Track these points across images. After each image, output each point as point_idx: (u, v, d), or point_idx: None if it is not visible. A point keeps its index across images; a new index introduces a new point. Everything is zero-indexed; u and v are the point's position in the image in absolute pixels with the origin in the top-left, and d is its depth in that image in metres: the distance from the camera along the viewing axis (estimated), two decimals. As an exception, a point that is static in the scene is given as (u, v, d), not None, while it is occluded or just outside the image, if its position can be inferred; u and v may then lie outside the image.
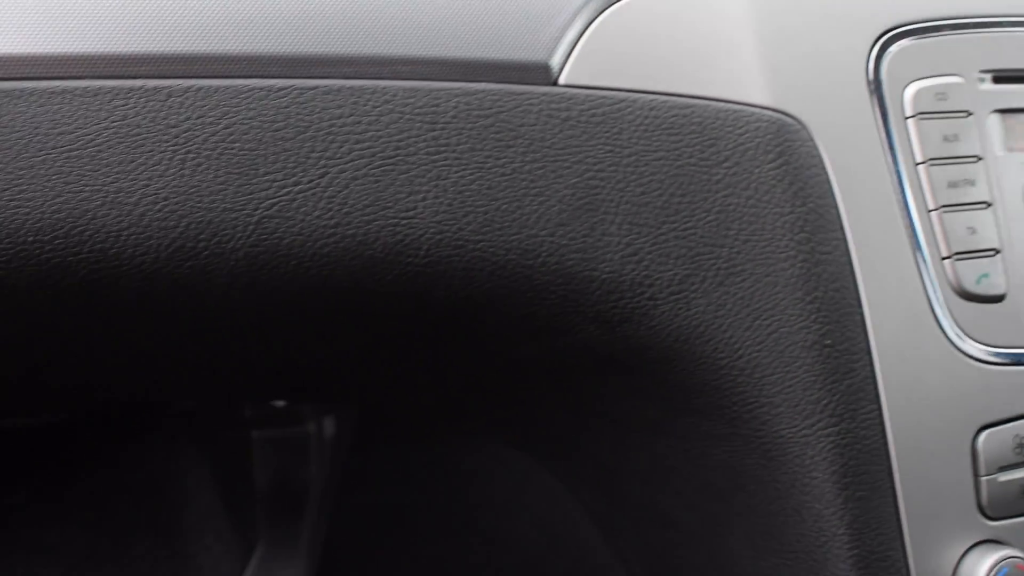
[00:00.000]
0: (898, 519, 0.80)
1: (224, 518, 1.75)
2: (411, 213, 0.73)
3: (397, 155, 0.73)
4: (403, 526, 1.30)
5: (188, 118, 0.68)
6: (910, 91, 0.83)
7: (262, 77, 0.71)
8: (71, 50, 0.68)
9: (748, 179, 0.79)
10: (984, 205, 0.83)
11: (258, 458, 1.41)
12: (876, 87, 0.83)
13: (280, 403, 1.25)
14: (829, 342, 0.79)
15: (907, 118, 0.83)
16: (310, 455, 1.42)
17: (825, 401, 0.79)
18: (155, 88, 0.68)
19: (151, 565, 1.72)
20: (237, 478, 1.63)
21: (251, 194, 0.69)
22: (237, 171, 0.69)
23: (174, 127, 0.68)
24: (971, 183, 0.83)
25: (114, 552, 1.76)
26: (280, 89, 0.71)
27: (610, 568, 1.09)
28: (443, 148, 0.74)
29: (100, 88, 0.68)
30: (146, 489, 1.92)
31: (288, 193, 0.70)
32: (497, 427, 1.04)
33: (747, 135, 0.80)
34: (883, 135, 0.83)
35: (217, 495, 1.83)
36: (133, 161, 0.67)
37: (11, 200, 0.66)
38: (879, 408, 0.80)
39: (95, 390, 0.89)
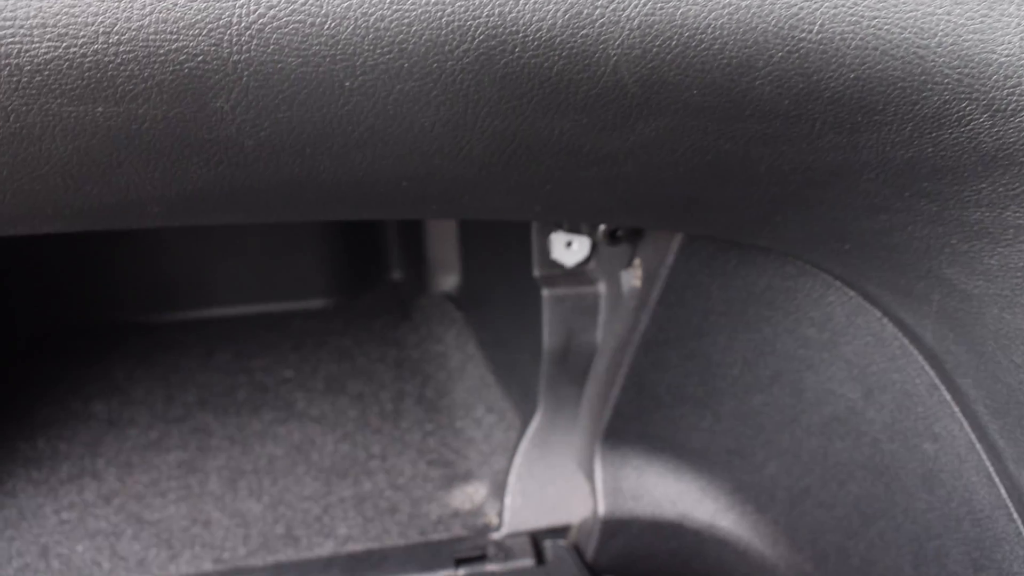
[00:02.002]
0: None
1: (498, 388, 1.76)
2: (807, -16, 0.69)
3: (792, -76, 0.69)
4: (702, 383, 1.28)
5: None
6: None
7: None
8: None
9: None
10: None
11: (547, 318, 1.40)
12: None
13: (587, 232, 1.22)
14: None
15: None
16: (599, 315, 1.41)
17: None
18: None
19: (420, 437, 1.74)
20: (516, 342, 1.64)
21: (649, -43, 0.67)
22: (635, -68, 0.67)
23: None
24: None
25: (383, 424, 1.79)
26: None
27: (938, 417, 1.04)
28: (838, -82, 0.70)
29: None
30: (414, 366, 1.96)
31: (685, -41, 0.68)
32: (827, 257, 1.00)
33: None
34: None
35: (490, 366, 1.84)
36: (533, -79, 0.66)
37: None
38: None
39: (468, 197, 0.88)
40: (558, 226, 1.36)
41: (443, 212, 0.92)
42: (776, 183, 0.85)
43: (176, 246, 2.22)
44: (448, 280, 2.19)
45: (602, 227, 1.19)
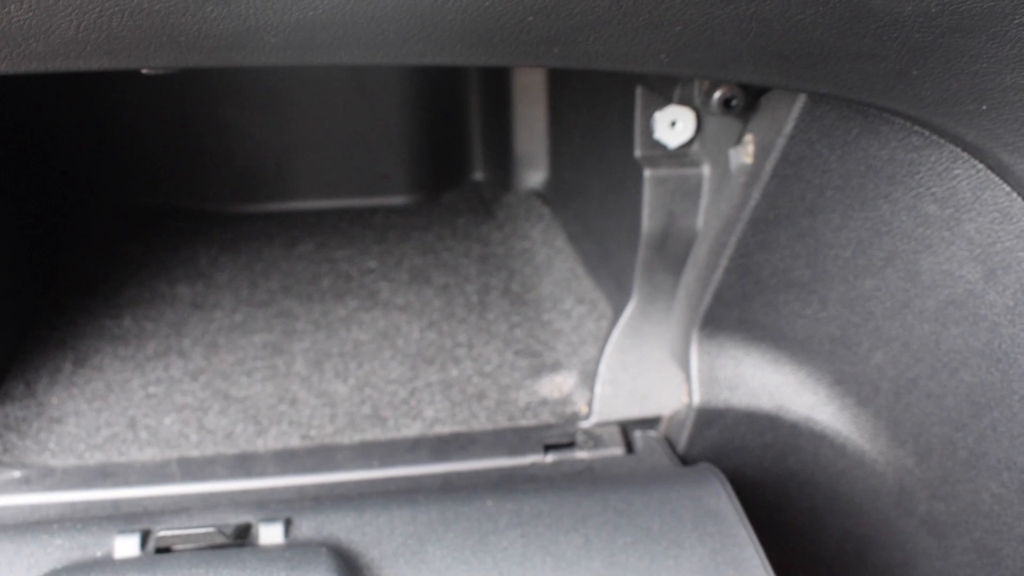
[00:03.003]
0: None
1: (588, 279, 1.74)
2: None
3: None
4: (810, 266, 1.24)
5: None
6: None
7: None
8: None
9: None
10: None
11: (647, 200, 1.36)
12: None
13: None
14: None
15: None
16: (701, 199, 1.37)
17: None
18: None
19: (507, 328, 1.72)
20: (610, 231, 1.61)
21: None
22: None
23: None
24: None
25: (469, 315, 1.77)
26: None
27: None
28: None
29: None
30: (499, 261, 1.93)
31: None
32: (960, 120, 0.95)
33: None
34: None
35: (580, 259, 1.82)
36: None
37: None
38: None
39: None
40: (665, 101, 1.32)
41: (564, 57, 0.88)
42: (920, 28, 0.80)
43: (260, 138, 2.21)
44: (534, 177, 2.16)
45: (717, 94, 1.15)
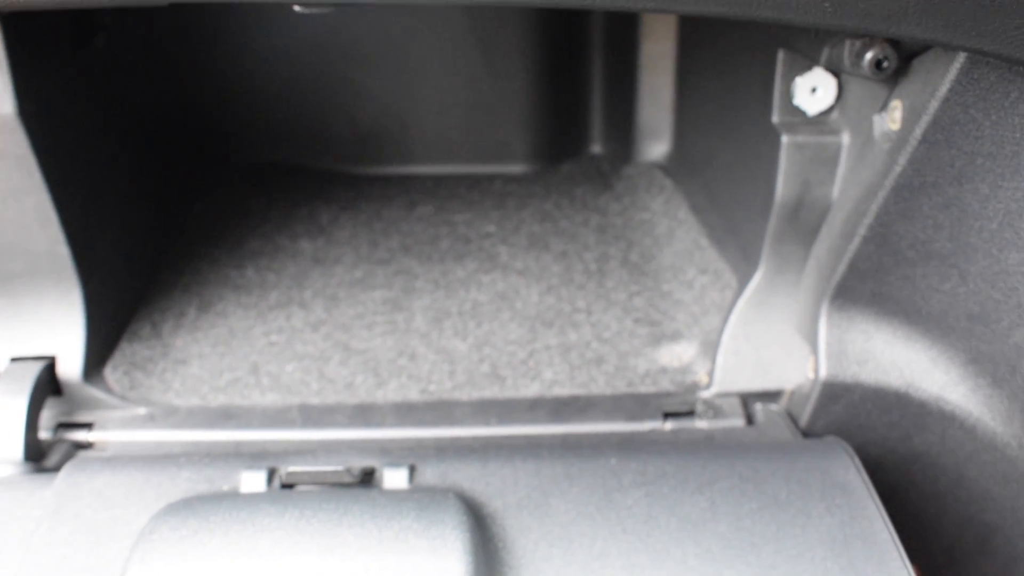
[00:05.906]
0: None
1: (712, 250, 1.72)
2: None
3: None
4: (952, 238, 1.20)
5: None
6: None
7: None
8: None
9: None
10: None
11: (783, 167, 1.33)
12: None
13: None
14: None
15: None
16: (838, 168, 1.34)
17: None
18: None
19: (626, 296, 1.71)
20: (739, 200, 1.58)
21: None
22: None
23: None
24: None
25: (588, 281, 1.77)
26: None
27: None
28: None
29: None
30: (617, 232, 1.92)
31: None
32: None
33: None
34: None
35: (704, 230, 1.80)
36: None
37: None
38: None
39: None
40: (809, 65, 1.29)
41: (727, 3, 0.87)
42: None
43: (384, 102, 2.22)
44: (656, 149, 2.14)
45: (869, 55, 1.12)
